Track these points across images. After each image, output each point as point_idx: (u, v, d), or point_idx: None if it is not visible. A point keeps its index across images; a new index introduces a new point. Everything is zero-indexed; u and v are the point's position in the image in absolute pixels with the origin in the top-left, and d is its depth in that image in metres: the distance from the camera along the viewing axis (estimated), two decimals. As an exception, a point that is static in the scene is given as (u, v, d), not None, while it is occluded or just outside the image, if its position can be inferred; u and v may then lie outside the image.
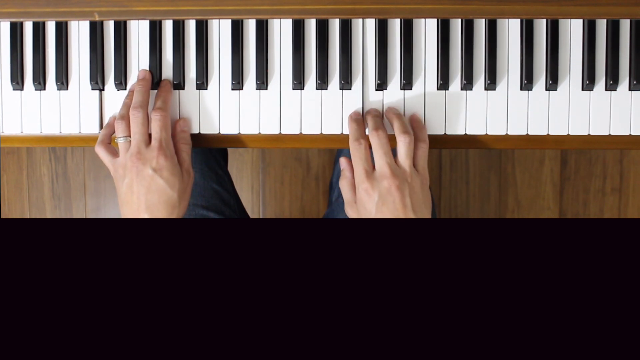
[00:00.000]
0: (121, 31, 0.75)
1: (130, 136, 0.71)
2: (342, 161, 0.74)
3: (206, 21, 0.75)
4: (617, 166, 1.44)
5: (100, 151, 0.73)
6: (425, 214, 0.71)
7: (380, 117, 0.74)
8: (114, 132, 0.74)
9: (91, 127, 0.76)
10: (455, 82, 0.75)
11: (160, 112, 0.71)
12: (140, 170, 0.69)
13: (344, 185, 0.73)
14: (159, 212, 0.70)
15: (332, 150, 1.42)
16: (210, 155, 0.93)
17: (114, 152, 0.73)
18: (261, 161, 1.46)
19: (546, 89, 0.75)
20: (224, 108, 0.75)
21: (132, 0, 0.74)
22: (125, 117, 0.72)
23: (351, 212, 0.73)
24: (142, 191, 0.69)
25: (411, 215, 0.69)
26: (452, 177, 1.45)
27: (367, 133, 0.72)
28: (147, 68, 0.75)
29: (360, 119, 0.73)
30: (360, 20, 0.75)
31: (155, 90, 0.75)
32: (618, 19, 0.74)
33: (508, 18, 0.74)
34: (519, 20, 0.74)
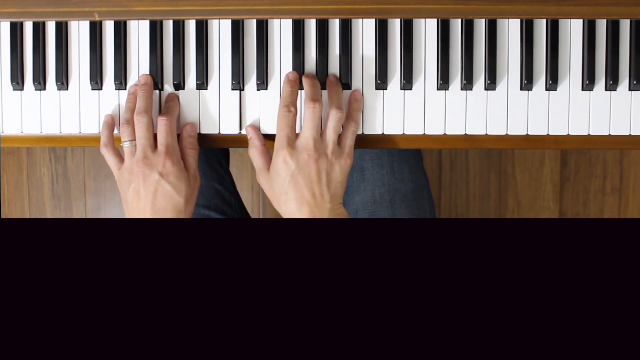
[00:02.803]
0: (121, 31, 0.75)
1: (135, 140, 0.71)
2: (249, 129, 0.74)
3: (206, 21, 0.75)
4: (617, 166, 1.44)
5: (107, 154, 0.73)
6: (340, 192, 0.71)
7: (319, 85, 0.73)
8: (115, 131, 0.74)
9: (91, 127, 0.76)
10: (455, 82, 0.75)
11: (165, 117, 0.72)
12: (147, 176, 0.70)
13: (253, 153, 0.73)
14: (166, 217, 0.70)
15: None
16: (211, 154, 0.93)
17: (119, 155, 0.73)
18: (261, 161, 1.46)
19: (546, 89, 0.75)
20: (224, 108, 0.75)
21: (132, 0, 0.74)
22: (129, 121, 0.72)
23: (262, 180, 0.72)
24: (149, 196, 0.70)
25: (324, 190, 0.69)
26: (452, 177, 1.45)
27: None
28: (147, 68, 0.75)
29: (296, 83, 0.73)
30: (360, 20, 0.75)
31: (157, 91, 0.75)
32: (618, 19, 0.74)
33: (508, 18, 0.74)
34: (519, 20, 0.74)
